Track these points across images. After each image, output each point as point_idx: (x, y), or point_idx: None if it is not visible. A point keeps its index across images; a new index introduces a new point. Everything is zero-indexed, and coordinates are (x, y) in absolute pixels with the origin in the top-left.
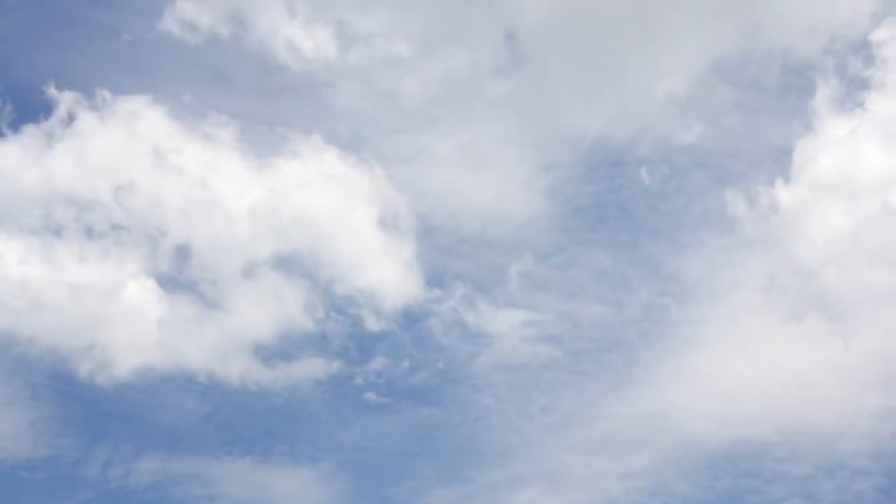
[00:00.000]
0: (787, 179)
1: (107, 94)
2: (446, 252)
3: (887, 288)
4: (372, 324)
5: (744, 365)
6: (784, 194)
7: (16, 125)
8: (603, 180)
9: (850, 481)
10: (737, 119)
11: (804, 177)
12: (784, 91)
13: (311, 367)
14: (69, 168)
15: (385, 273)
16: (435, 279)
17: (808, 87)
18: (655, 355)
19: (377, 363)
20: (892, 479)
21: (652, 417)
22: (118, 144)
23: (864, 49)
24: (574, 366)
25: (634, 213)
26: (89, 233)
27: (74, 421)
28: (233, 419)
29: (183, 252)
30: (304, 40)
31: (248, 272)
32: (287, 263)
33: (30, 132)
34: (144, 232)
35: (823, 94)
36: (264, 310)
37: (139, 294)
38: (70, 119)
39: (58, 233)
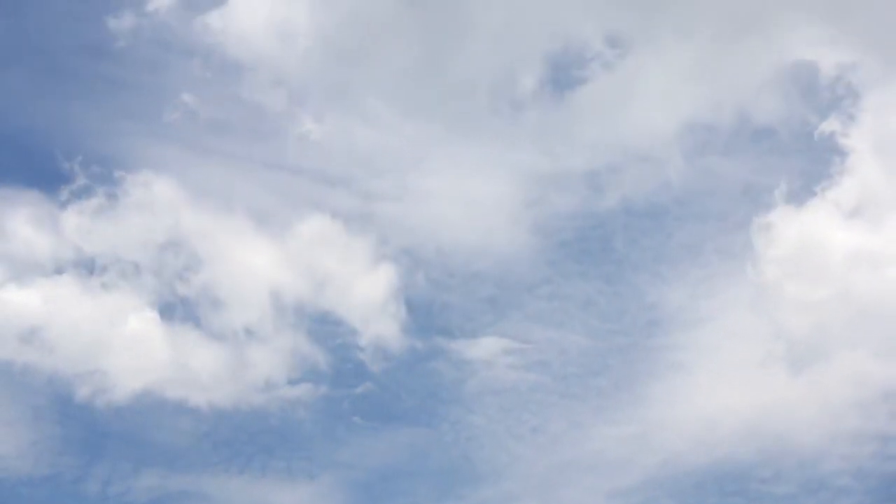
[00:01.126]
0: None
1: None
2: (434, 284)
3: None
4: (361, 350)
5: (725, 389)
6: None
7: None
8: (586, 216)
9: (832, 500)
10: (715, 161)
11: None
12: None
13: (303, 391)
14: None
15: (374, 304)
16: (424, 310)
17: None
18: (640, 379)
19: (368, 386)
20: (873, 497)
21: (637, 438)
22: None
23: None
24: (562, 389)
25: (617, 247)
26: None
27: (75, 440)
28: (230, 437)
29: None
30: None
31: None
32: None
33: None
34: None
35: None
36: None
37: (141, 325)
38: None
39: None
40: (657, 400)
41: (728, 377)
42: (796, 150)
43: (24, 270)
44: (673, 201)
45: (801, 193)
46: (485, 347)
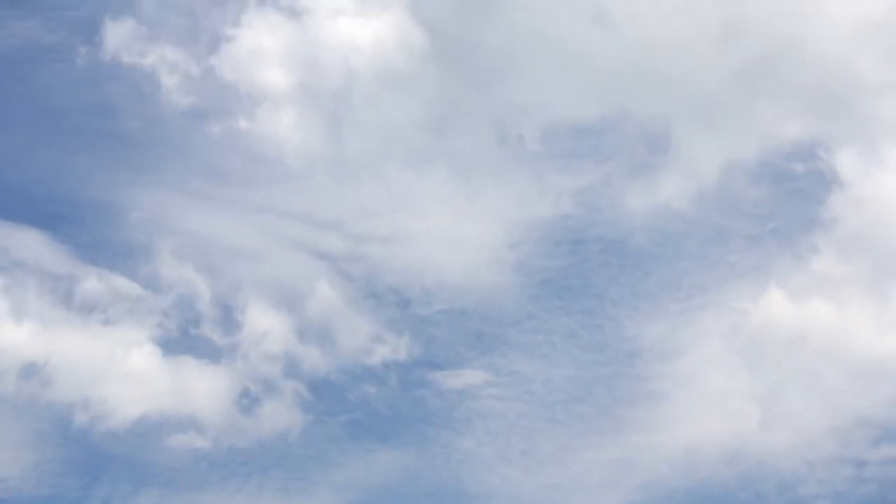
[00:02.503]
0: None
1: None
2: (421, 320)
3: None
4: (351, 378)
5: (703, 416)
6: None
7: None
8: (566, 255)
9: None
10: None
11: None
12: None
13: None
14: None
15: (362, 337)
16: (411, 344)
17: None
18: (622, 407)
19: (359, 413)
20: None
21: (620, 462)
22: None
23: None
24: (549, 416)
25: (596, 284)
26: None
27: (76, 463)
28: (226, 457)
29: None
30: None
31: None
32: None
33: None
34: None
35: None
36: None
37: (141, 358)
38: None
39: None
40: (638, 426)
41: (706, 404)
42: None
43: (24, 305)
44: (650, 242)
45: None
46: (472, 377)
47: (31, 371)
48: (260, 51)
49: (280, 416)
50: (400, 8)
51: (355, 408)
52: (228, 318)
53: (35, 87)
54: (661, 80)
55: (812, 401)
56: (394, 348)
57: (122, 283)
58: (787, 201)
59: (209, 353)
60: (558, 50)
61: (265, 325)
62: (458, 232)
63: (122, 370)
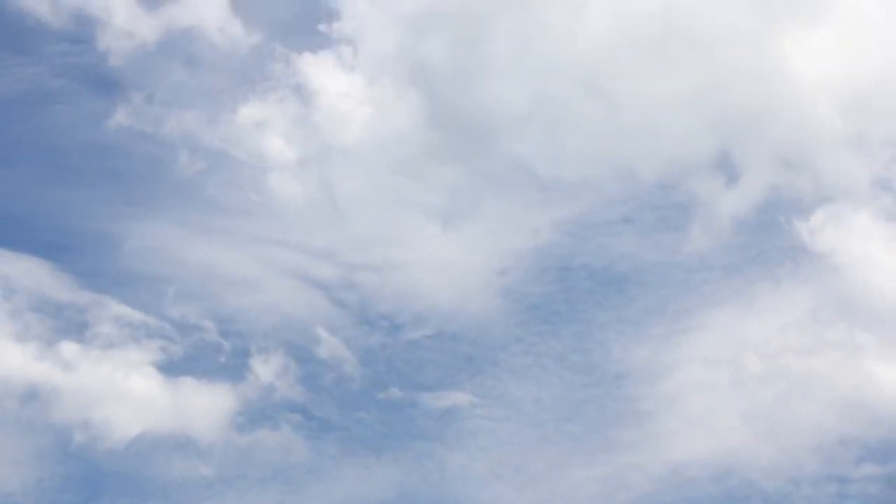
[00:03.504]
0: None
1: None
2: (412, 344)
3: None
4: (345, 396)
5: (688, 435)
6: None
7: None
8: (553, 282)
9: None
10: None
11: None
12: None
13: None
14: None
15: (352, 363)
16: (402, 367)
17: None
18: (610, 426)
19: (353, 430)
20: None
21: (609, 479)
22: None
23: None
24: (539, 434)
25: (583, 308)
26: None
27: (76, 479)
28: (223, 472)
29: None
30: None
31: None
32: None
33: None
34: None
35: None
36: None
37: (140, 380)
38: None
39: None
40: (626, 445)
41: (691, 424)
42: None
43: (27, 330)
44: (633, 270)
45: None
46: (461, 398)
47: (32, 393)
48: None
49: (276, 433)
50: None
51: (350, 426)
52: (226, 341)
53: (39, 127)
54: (644, 137)
55: (796, 421)
56: (384, 371)
57: (122, 309)
58: (763, 233)
59: (208, 374)
60: (547, 111)
61: (263, 350)
62: (448, 261)
63: (122, 391)
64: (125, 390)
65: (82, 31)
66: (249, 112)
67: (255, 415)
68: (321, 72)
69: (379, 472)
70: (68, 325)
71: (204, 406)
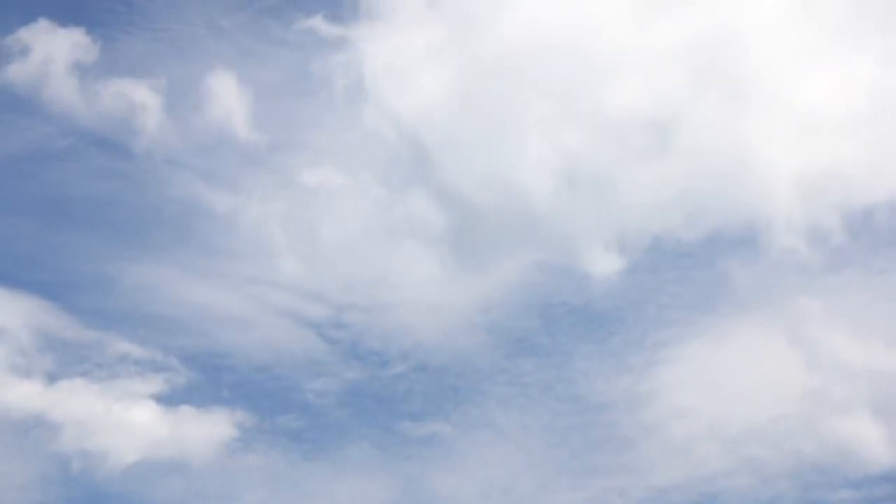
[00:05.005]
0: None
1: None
2: (398, 377)
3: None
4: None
5: (668, 460)
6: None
7: None
8: (536, 318)
9: None
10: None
11: None
12: None
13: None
14: None
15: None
16: (390, 399)
17: None
18: (594, 452)
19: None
20: None
21: (592, 501)
22: None
23: None
24: (527, 459)
25: (565, 342)
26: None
27: (77, 501)
28: (220, 492)
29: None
30: None
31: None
32: None
33: None
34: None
35: None
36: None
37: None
38: None
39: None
40: (609, 470)
41: (671, 450)
42: None
43: (29, 365)
44: (612, 308)
45: None
46: (450, 425)
47: (36, 423)
48: None
49: (270, 457)
50: None
51: (342, 450)
52: (219, 374)
53: (46, 181)
54: None
55: (773, 448)
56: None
57: (122, 345)
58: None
59: (204, 403)
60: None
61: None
62: (434, 300)
63: (122, 421)
64: (124, 419)
65: None
66: None
67: (251, 440)
68: None
69: (371, 494)
70: (72, 360)
71: (201, 433)
